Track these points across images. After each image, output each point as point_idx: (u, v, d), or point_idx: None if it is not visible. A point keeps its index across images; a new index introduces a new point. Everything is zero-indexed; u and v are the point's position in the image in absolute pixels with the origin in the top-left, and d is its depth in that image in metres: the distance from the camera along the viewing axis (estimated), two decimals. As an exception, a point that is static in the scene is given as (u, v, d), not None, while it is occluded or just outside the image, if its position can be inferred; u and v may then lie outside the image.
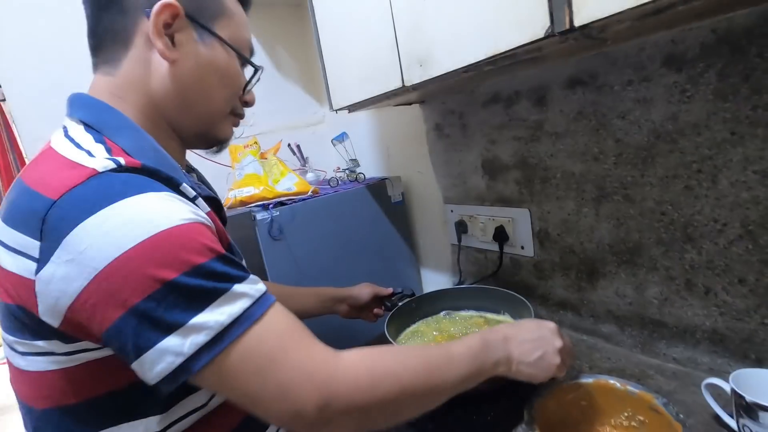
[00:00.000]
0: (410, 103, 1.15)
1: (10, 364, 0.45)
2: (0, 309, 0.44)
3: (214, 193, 0.58)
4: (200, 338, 0.36)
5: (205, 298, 0.37)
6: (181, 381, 0.36)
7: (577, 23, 0.46)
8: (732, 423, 0.57)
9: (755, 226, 0.62)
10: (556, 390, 0.63)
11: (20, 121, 1.12)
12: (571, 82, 0.80)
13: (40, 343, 0.40)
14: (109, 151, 0.41)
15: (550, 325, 0.57)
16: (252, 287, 0.40)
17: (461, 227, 1.10)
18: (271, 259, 1.05)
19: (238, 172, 1.18)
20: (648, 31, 0.59)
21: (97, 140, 0.43)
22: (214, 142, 0.57)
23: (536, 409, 0.60)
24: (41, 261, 0.36)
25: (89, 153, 0.40)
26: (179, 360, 0.36)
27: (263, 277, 1.04)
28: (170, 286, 0.36)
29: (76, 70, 1.13)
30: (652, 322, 0.78)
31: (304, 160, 1.45)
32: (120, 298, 0.35)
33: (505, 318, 0.86)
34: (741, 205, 0.63)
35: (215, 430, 0.48)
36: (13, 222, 0.39)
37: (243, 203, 1.09)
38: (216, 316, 0.37)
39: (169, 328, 0.35)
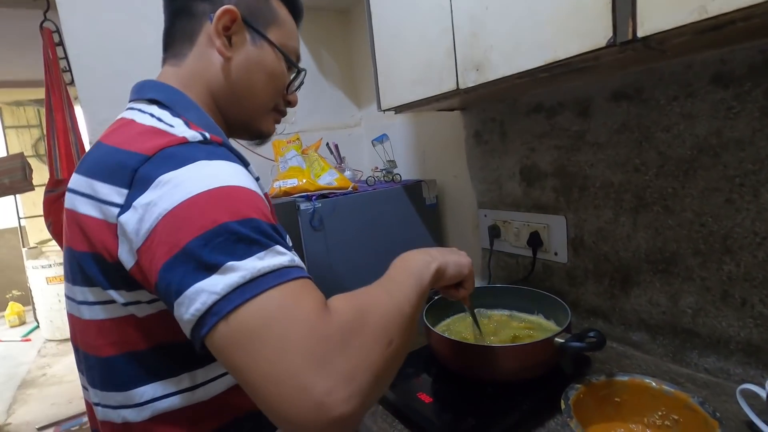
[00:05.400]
0: (452, 109, 1.19)
1: (74, 318, 0.49)
2: (67, 262, 0.48)
3: None
4: (235, 278, 0.36)
5: (249, 247, 0.37)
6: (209, 327, 0.35)
7: (639, 34, 0.50)
8: (766, 430, 0.59)
9: (796, 240, 0.64)
10: (590, 385, 0.65)
11: (85, 103, 1.20)
12: (615, 95, 0.83)
13: (109, 291, 0.44)
14: (186, 124, 0.46)
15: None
16: (294, 257, 0.40)
17: (494, 231, 1.13)
18: (310, 248, 1.09)
19: (282, 165, 1.24)
20: (702, 47, 0.63)
21: (174, 115, 0.48)
22: (257, 134, 0.64)
23: (572, 401, 0.62)
24: (124, 206, 0.40)
25: (170, 125, 0.45)
26: (212, 299, 0.35)
27: (303, 264, 1.09)
28: (221, 229, 0.37)
29: (138, 60, 1.23)
30: (685, 331, 0.79)
31: (340, 160, 1.50)
32: (176, 237, 0.37)
33: (538, 318, 0.89)
34: (782, 220, 0.65)
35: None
36: (99, 175, 0.43)
37: (287, 193, 1.15)
38: (254, 263, 0.37)
39: (209, 268, 0.36)
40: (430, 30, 0.84)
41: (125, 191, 0.41)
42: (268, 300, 0.36)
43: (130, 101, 0.53)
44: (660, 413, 0.63)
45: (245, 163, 0.47)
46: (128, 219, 0.40)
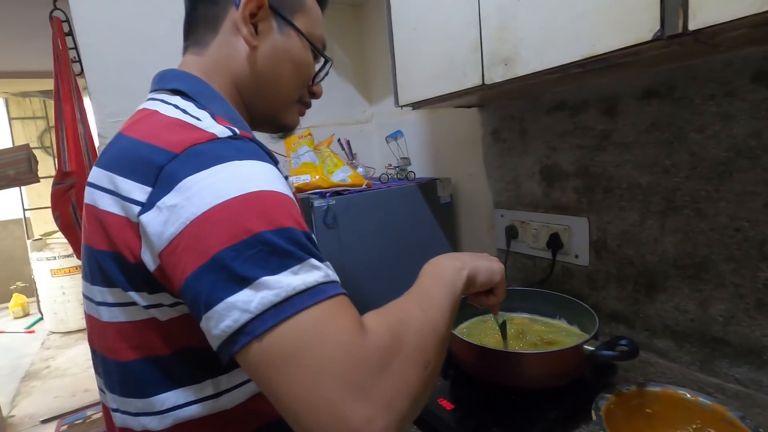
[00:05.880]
0: (469, 106, 1.16)
1: (92, 319, 0.47)
2: (86, 260, 0.46)
3: None
4: (270, 297, 0.34)
5: (283, 260, 0.35)
6: (241, 345, 0.34)
7: (691, 27, 0.47)
8: (807, 445, 0.56)
9: (841, 248, 0.61)
10: (621, 395, 0.63)
11: (95, 94, 1.18)
12: (646, 93, 0.80)
13: (130, 293, 0.41)
14: (212, 117, 0.44)
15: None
16: (328, 270, 0.38)
17: (511, 232, 1.10)
18: (323, 246, 1.06)
19: (295, 161, 1.22)
20: (746, 43, 0.60)
21: (199, 107, 0.45)
22: (281, 126, 0.61)
23: (603, 411, 0.60)
24: (147, 205, 0.38)
25: (196, 118, 0.43)
26: (245, 317, 0.33)
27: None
28: (255, 239, 0.35)
29: (149, 52, 1.20)
30: (715, 340, 0.76)
31: (352, 156, 1.48)
32: (206, 245, 0.35)
33: (560, 322, 0.86)
34: (826, 226, 0.62)
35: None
36: (120, 169, 0.41)
37: (300, 190, 1.12)
38: (290, 279, 0.35)
39: (241, 281, 0.34)
40: (455, 22, 0.81)
41: (149, 189, 0.38)
42: (304, 321, 0.34)
43: (151, 91, 0.51)
44: (694, 426, 0.60)
45: (274, 161, 0.45)
46: (150, 219, 0.37)
